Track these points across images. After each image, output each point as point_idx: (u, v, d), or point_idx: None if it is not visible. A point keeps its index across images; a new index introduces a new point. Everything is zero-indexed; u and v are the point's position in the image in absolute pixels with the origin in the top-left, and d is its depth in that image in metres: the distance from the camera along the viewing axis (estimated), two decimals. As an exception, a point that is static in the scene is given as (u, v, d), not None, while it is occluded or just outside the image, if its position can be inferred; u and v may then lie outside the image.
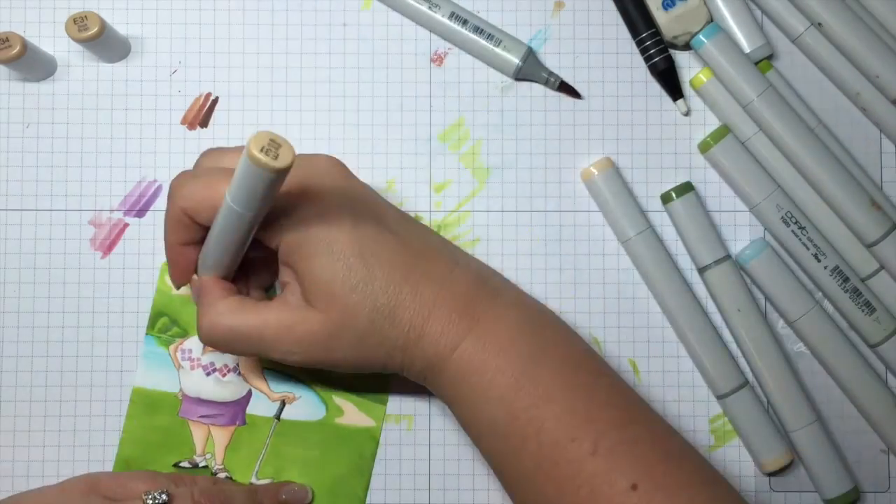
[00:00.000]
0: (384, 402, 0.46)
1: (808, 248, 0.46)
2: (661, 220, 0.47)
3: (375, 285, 0.38)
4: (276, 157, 0.33)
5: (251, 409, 0.46)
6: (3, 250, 0.47)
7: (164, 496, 0.41)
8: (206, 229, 0.39)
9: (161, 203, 0.47)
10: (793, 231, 0.46)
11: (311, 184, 0.38)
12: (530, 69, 0.47)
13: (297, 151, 0.47)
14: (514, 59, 0.46)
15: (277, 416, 0.46)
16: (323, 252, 0.38)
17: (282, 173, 0.34)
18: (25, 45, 0.44)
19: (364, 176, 0.47)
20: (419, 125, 0.48)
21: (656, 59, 0.46)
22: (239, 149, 0.41)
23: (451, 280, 0.39)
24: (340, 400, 0.46)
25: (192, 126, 0.48)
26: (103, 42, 0.45)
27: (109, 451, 0.46)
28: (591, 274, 0.47)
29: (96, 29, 0.44)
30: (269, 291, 0.45)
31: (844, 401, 0.47)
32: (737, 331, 0.46)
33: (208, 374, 0.46)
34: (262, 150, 0.33)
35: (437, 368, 0.39)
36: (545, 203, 0.47)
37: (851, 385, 0.46)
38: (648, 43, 0.46)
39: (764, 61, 0.47)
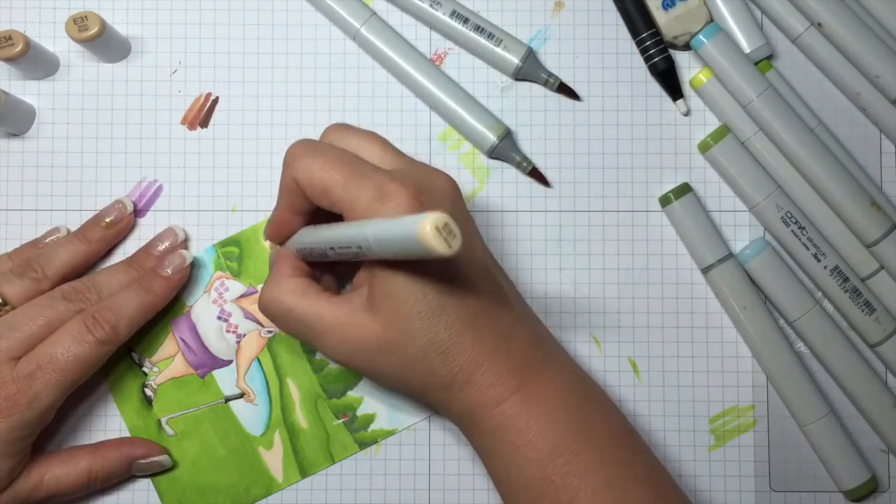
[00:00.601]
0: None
1: (808, 248, 0.46)
2: (661, 221, 0.47)
3: (441, 320, 0.37)
4: (447, 245, 0.31)
5: (217, 375, 0.46)
6: (3, 250, 0.47)
7: None
8: (312, 203, 0.39)
9: (161, 203, 0.47)
10: (793, 231, 0.46)
11: (423, 199, 0.37)
12: (530, 69, 0.47)
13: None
14: (514, 59, 0.46)
15: (226, 399, 0.46)
16: (407, 272, 0.37)
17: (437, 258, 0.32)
18: (28, 44, 0.44)
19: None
20: (419, 125, 0.48)
21: (656, 59, 0.46)
22: (367, 134, 0.40)
23: (513, 337, 0.39)
24: (278, 435, 0.46)
25: (192, 126, 0.48)
26: (103, 42, 0.45)
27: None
28: (591, 274, 0.47)
29: (96, 29, 0.44)
30: (342, 285, 0.45)
31: (844, 401, 0.47)
32: (744, 328, 0.46)
33: (219, 318, 0.47)
34: (437, 232, 0.31)
35: (476, 417, 0.38)
36: (545, 203, 0.47)
37: (851, 385, 0.46)
38: (648, 43, 0.46)
39: (764, 61, 0.47)
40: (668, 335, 0.47)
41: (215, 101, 0.48)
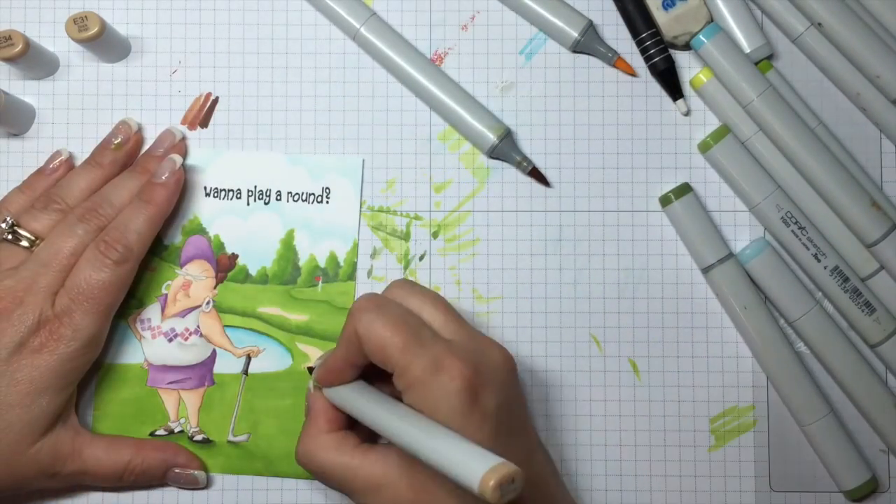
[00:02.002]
0: None
1: (808, 248, 0.46)
2: (661, 221, 0.47)
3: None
4: (501, 496, 0.31)
5: (218, 369, 0.46)
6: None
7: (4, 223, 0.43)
8: (367, 360, 0.39)
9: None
10: (793, 231, 0.46)
11: (478, 380, 0.37)
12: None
13: (299, 151, 0.47)
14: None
15: (245, 371, 0.46)
16: None
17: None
18: (28, 44, 0.44)
19: (365, 176, 0.47)
20: (419, 125, 0.48)
21: (656, 59, 0.46)
22: (432, 296, 0.41)
23: None
24: (304, 346, 0.46)
25: (192, 126, 0.48)
26: (103, 42, 0.45)
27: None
28: (591, 274, 0.47)
29: (96, 29, 0.44)
30: None
31: (844, 401, 0.47)
32: (744, 328, 0.46)
33: (170, 340, 0.46)
34: (498, 488, 0.31)
35: None
36: (545, 203, 0.47)
37: (851, 385, 0.46)
38: (648, 43, 0.46)
39: (764, 61, 0.47)
40: (668, 335, 0.47)
41: (215, 101, 0.48)
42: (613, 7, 0.47)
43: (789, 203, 0.46)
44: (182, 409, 0.46)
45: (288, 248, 0.47)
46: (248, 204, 0.47)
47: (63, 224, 0.43)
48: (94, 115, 0.48)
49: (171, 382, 0.46)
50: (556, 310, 0.47)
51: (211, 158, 0.47)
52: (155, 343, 0.47)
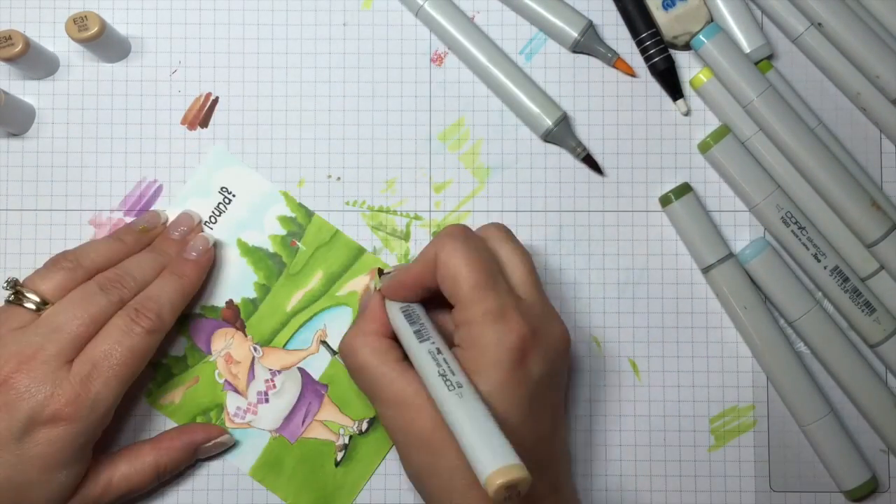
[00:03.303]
0: (363, 250, 0.47)
1: (808, 248, 0.46)
2: (661, 221, 0.47)
3: None
4: (502, 499, 0.32)
5: (317, 374, 0.46)
6: (2, 250, 0.47)
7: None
8: (436, 285, 0.40)
9: (161, 203, 0.47)
10: (793, 231, 0.46)
11: (532, 345, 0.38)
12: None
13: (298, 150, 0.47)
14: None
15: (333, 353, 0.46)
16: (488, 393, 0.37)
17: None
18: (28, 44, 0.44)
19: (364, 176, 0.47)
20: (419, 125, 0.48)
21: (656, 59, 0.46)
22: (521, 253, 0.41)
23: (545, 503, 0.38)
24: (343, 289, 0.46)
25: (192, 126, 0.48)
26: (103, 42, 0.45)
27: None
28: (591, 274, 0.47)
29: (96, 29, 0.44)
30: None
31: (844, 400, 0.47)
32: (744, 328, 0.46)
33: (267, 401, 0.46)
34: (504, 490, 0.31)
35: None
36: (545, 203, 0.47)
37: (851, 385, 0.46)
38: (648, 43, 0.46)
39: (764, 61, 0.47)
40: (668, 335, 0.47)
41: (215, 101, 0.48)
42: (613, 7, 0.47)
43: (789, 203, 0.46)
44: (333, 426, 0.46)
45: (251, 252, 0.47)
46: None
47: (81, 291, 0.41)
48: (94, 115, 0.48)
49: (304, 422, 0.46)
50: (556, 310, 0.47)
51: None
52: (262, 416, 0.46)
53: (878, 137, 0.48)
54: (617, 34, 0.48)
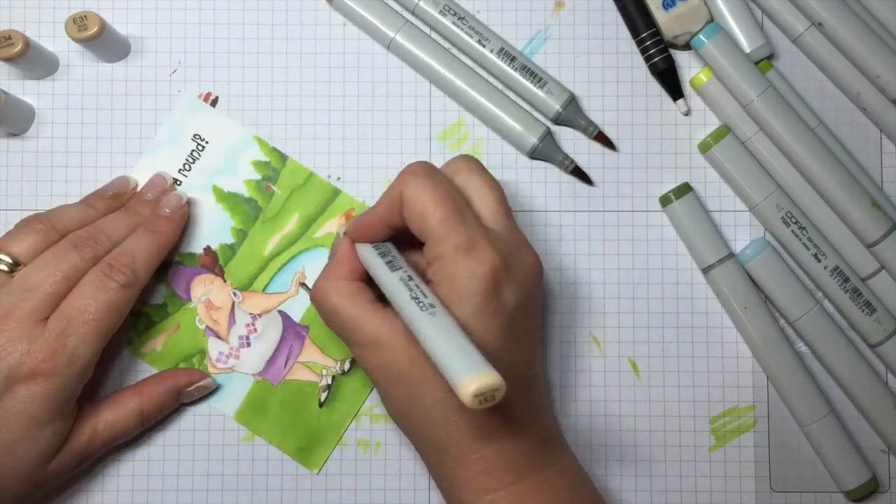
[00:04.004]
0: (338, 191, 0.47)
1: (808, 248, 0.46)
2: (661, 221, 0.47)
3: None
4: (479, 405, 0.32)
5: (298, 316, 0.47)
6: (2, 250, 0.47)
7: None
8: (404, 224, 0.39)
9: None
10: (793, 231, 0.46)
11: (504, 275, 0.38)
12: (570, 116, 0.46)
13: (298, 150, 0.47)
14: (556, 105, 0.46)
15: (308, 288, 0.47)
16: (463, 322, 0.37)
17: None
18: (28, 43, 0.44)
19: (364, 176, 0.47)
20: (419, 125, 0.48)
21: (656, 59, 0.46)
22: (490, 183, 0.41)
23: (527, 431, 0.39)
24: (321, 230, 0.47)
25: (192, 126, 0.48)
26: (103, 42, 0.45)
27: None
28: (591, 274, 0.47)
29: (96, 29, 0.44)
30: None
31: (844, 400, 0.47)
32: (744, 328, 0.46)
33: (249, 345, 0.47)
34: (477, 398, 0.32)
35: (463, 497, 0.38)
36: (545, 203, 0.47)
37: (851, 385, 0.46)
38: (648, 43, 0.46)
39: (764, 61, 0.47)
40: (668, 335, 0.47)
41: (215, 101, 0.48)
42: (613, 7, 0.47)
43: (789, 203, 0.46)
44: (315, 367, 0.46)
45: (226, 198, 0.47)
46: None
47: (54, 249, 0.41)
48: (94, 115, 0.48)
49: (286, 365, 0.47)
50: (556, 310, 0.47)
51: None
52: (245, 359, 0.47)
53: (879, 137, 0.48)
54: (617, 34, 0.48)
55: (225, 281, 0.47)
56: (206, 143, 0.47)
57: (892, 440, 0.46)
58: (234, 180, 0.47)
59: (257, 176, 0.47)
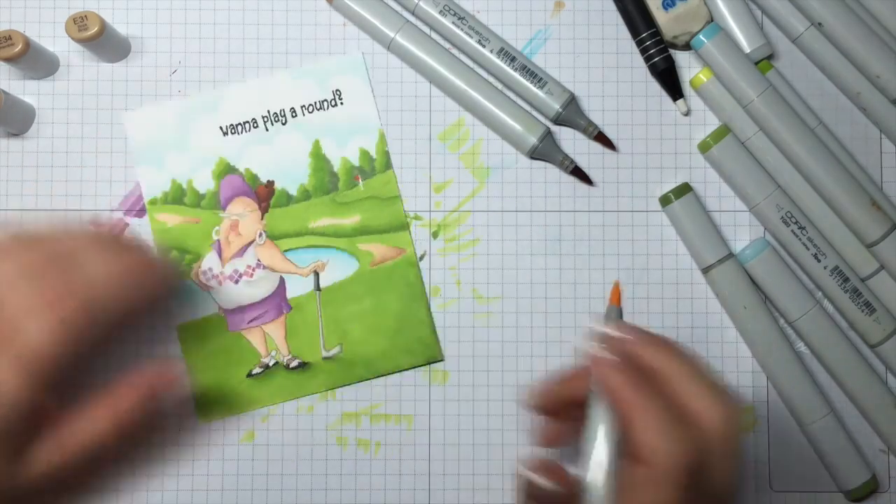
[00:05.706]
0: (406, 228, 0.47)
1: (808, 248, 0.46)
2: (661, 221, 0.47)
3: None
4: None
5: (291, 293, 0.47)
6: (3, 250, 0.47)
7: None
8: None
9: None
10: (793, 231, 0.46)
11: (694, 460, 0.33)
12: (570, 116, 0.46)
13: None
14: (556, 105, 0.46)
15: (317, 288, 0.47)
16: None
17: None
18: (28, 44, 0.44)
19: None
20: (419, 125, 0.48)
21: (656, 59, 0.46)
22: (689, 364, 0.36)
23: None
24: (364, 245, 0.47)
25: (192, 126, 0.48)
26: (103, 42, 0.45)
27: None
28: (592, 274, 0.47)
29: (96, 29, 0.44)
30: None
31: (844, 400, 0.47)
32: (744, 328, 0.46)
33: (236, 281, 0.47)
34: None
35: None
36: (545, 203, 0.47)
37: (851, 385, 0.46)
38: (648, 43, 0.46)
39: (764, 61, 0.47)
40: (668, 335, 0.47)
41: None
42: (613, 7, 0.47)
43: (789, 203, 0.46)
44: (269, 342, 0.47)
45: (318, 158, 0.47)
46: (267, 129, 0.47)
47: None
48: (94, 115, 0.48)
49: (251, 321, 0.47)
50: (556, 310, 0.47)
51: (217, 98, 0.47)
52: (223, 289, 0.47)
53: (878, 137, 0.48)
54: (617, 34, 0.48)
55: (262, 218, 0.47)
56: (341, 103, 0.47)
57: (891, 440, 0.46)
58: (337, 149, 0.47)
59: (356, 163, 0.47)
